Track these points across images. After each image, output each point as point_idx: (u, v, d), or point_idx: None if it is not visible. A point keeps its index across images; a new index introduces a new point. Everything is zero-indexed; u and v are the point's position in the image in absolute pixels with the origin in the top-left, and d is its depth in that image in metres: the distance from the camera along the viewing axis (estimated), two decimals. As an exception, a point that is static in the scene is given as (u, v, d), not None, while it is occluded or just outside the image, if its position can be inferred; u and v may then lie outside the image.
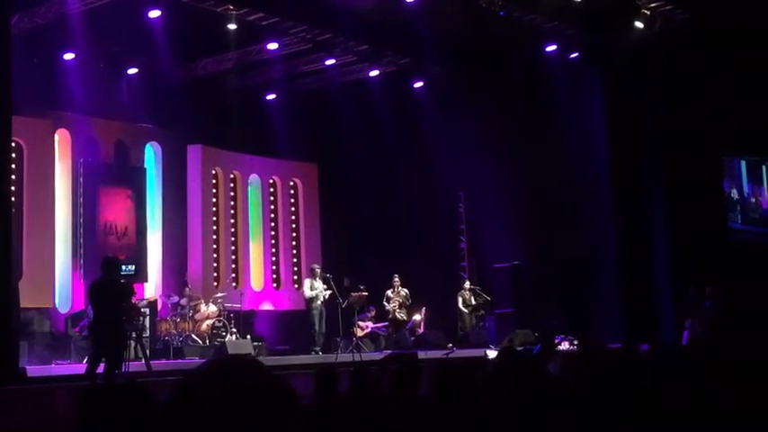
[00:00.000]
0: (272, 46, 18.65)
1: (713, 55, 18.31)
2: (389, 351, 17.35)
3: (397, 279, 19.29)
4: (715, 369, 5.00)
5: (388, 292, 19.29)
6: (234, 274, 20.95)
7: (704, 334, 15.86)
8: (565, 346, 17.25)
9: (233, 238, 21.20)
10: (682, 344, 15.79)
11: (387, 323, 19.55)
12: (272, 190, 22.37)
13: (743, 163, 20.95)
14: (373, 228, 21.49)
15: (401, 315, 19.31)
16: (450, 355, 15.95)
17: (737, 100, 18.12)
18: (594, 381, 4.68)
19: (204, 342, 18.00)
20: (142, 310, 16.69)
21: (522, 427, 4.65)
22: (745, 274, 17.68)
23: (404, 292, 19.27)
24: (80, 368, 12.52)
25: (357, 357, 15.83)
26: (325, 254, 21.86)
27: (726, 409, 4.53)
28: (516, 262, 20.20)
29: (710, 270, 17.68)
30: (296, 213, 22.65)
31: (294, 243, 22.46)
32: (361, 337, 18.64)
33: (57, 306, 17.90)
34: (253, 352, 17.14)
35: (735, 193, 20.65)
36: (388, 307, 19.25)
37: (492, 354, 17.45)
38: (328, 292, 17.78)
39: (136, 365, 12.76)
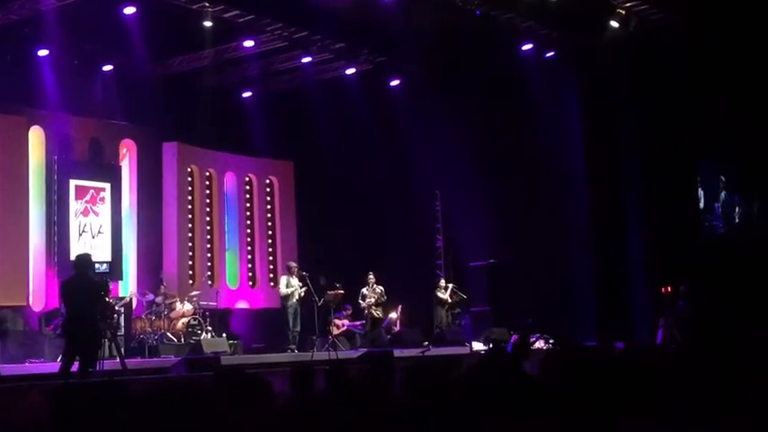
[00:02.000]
0: (249, 43, 18.58)
1: (688, 54, 18.41)
2: (365, 349, 17.37)
3: (371, 276, 19.28)
4: (691, 367, 5.03)
5: (364, 290, 19.28)
6: (209, 273, 20.86)
7: (678, 332, 15.95)
8: (540, 344, 17.34)
9: (209, 236, 21.12)
10: (656, 342, 15.87)
11: (363, 321, 19.56)
12: (247, 188, 22.29)
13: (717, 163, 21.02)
14: (349, 226, 21.47)
15: (377, 313, 19.31)
16: (427, 354, 15.97)
17: (713, 99, 18.20)
18: (572, 378, 4.70)
19: (179, 340, 17.95)
20: (117, 308, 16.60)
21: (496, 425, 4.66)
22: (719, 273, 17.76)
23: (379, 289, 19.26)
24: (54, 367, 12.42)
25: (333, 356, 15.81)
26: (301, 252, 21.83)
27: (702, 405, 4.56)
28: (492, 260, 20.26)
29: (685, 269, 17.76)
30: (272, 211, 22.58)
31: (270, 241, 22.40)
32: (337, 336, 18.65)
33: (30, 304, 17.76)
34: (228, 350, 17.11)
35: (710, 193, 20.71)
36: (364, 305, 19.25)
37: (477, 345, 17.56)
38: (304, 290, 17.76)
39: (110, 364, 12.71)
